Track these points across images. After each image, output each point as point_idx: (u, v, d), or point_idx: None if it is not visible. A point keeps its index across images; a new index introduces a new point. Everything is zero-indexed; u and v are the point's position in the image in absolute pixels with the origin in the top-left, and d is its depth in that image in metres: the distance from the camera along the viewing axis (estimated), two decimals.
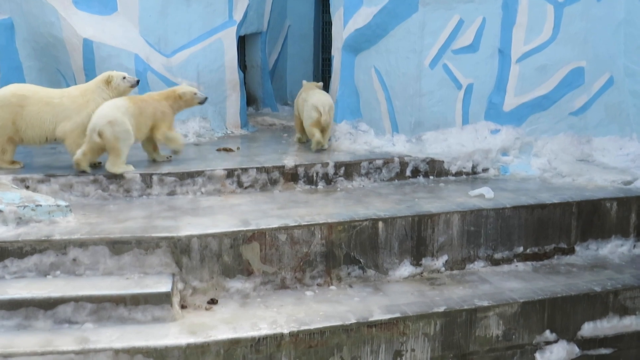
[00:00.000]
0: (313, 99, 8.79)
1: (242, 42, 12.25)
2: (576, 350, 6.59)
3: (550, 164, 8.53)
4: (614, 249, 7.52)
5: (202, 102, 8.41)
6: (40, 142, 7.75)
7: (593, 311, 6.64)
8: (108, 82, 7.76)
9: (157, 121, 7.96)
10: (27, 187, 7.23)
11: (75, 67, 9.56)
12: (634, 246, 7.61)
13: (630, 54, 8.67)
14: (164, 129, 8.02)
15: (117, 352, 5.32)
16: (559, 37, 8.65)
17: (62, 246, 6.08)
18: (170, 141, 8.11)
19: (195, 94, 8.28)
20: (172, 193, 7.56)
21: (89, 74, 9.48)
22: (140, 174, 7.52)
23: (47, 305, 5.61)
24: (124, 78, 7.82)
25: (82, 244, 6.10)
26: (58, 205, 6.56)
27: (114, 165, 7.46)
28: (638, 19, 8.57)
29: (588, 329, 6.65)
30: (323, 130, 8.77)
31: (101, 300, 5.69)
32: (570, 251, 7.45)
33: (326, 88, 10.20)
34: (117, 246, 6.13)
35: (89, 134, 7.41)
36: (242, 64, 12.23)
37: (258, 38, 12.28)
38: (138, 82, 7.93)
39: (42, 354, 5.24)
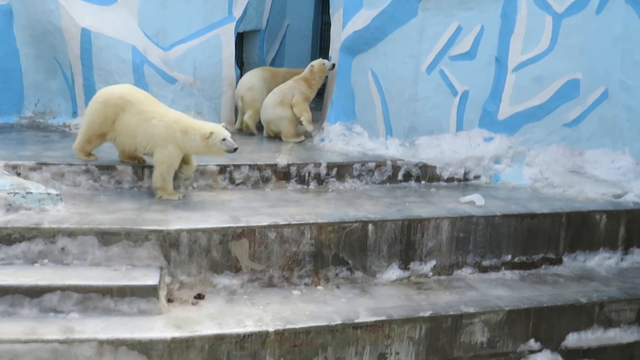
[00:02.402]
0: None
1: (240, 39, 12.24)
2: None
3: (541, 174, 8.55)
4: (602, 261, 7.56)
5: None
6: (130, 150, 7.40)
7: (578, 322, 6.67)
8: (206, 137, 6.94)
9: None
10: (19, 174, 7.20)
11: (72, 56, 9.54)
12: (622, 259, 7.65)
13: (626, 69, 8.68)
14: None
15: (101, 343, 5.33)
16: (556, 49, 8.66)
17: (51, 235, 6.07)
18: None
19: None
20: None
21: (86, 64, 9.47)
22: (132, 166, 7.51)
23: (34, 293, 5.61)
24: (224, 140, 6.97)
25: (71, 234, 6.09)
26: (49, 194, 6.55)
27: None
28: (635, 35, 8.58)
29: (572, 339, 6.68)
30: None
31: (88, 290, 5.69)
32: (558, 261, 7.48)
33: (322, 89, 10.21)
34: (106, 237, 6.13)
35: (235, 100, 10.09)
36: (240, 61, 12.21)
37: (256, 36, 12.27)
38: (236, 149, 7.02)
39: (26, 341, 5.24)
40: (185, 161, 7.30)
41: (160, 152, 7.05)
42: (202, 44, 10.13)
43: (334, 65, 9.44)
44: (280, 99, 9.39)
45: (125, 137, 7.25)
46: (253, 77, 10.09)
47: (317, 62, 9.56)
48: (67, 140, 8.67)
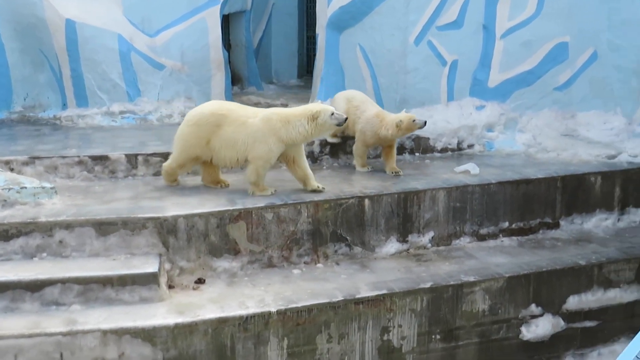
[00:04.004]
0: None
1: (226, 21, 12.18)
2: (561, 323, 6.66)
3: (535, 139, 8.57)
4: (599, 222, 7.59)
5: None
6: (232, 163, 6.94)
7: (578, 284, 6.71)
8: (314, 117, 6.64)
9: None
10: (12, 170, 7.18)
11: (58, 47, 9.49)
12: (618, 220, 7.68)
13: (615, 29, 8.67)
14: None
15: (105, 333, 5.33)
16: (543, 12, 8.64)
17: (48, 228, 6.05)
18: None
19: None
20: (157, 173, 7.51)
21: (72, 55, 9.43)
22: (125, 155, 7.49)
23: (34, 287, 5.60)
24: (332, 114, 6.67)
25: (68, 226, 6.08)
26: (43, 187, 6.53)
27: None
28: None
29: (573, 302, 6.71)
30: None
31: (88, 281, 5.69)
32: (555, 225, 7.50)
33: (311, 66, 10.17)
34: (103, 227, 6.12)
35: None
36: (227, 43, 12.17)
37: (242, 17, 12.22)
38: (346, 119, 6.76)
39: (30, 336, 5.24)
40: (294, 161, 6.96)
41: (258, 148, 6.73)
42: (188, 28, 10.09)
43: (425, 122, 7.53)
44: (347, 107, 7.87)
45: (226, 150, 6.88)
46: None
47: (407, 119, 7.47)
48: (59, 133, 8.66)
